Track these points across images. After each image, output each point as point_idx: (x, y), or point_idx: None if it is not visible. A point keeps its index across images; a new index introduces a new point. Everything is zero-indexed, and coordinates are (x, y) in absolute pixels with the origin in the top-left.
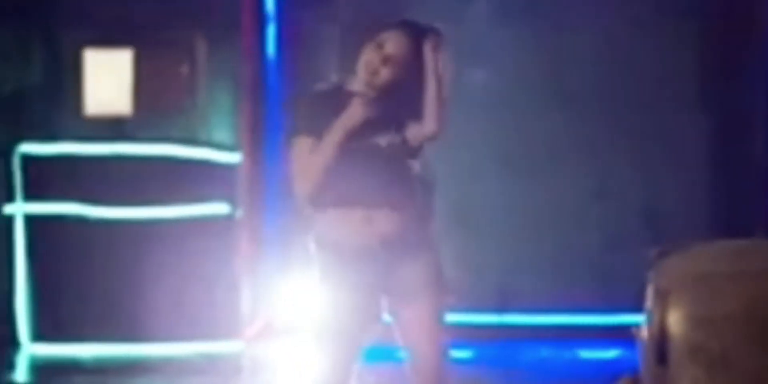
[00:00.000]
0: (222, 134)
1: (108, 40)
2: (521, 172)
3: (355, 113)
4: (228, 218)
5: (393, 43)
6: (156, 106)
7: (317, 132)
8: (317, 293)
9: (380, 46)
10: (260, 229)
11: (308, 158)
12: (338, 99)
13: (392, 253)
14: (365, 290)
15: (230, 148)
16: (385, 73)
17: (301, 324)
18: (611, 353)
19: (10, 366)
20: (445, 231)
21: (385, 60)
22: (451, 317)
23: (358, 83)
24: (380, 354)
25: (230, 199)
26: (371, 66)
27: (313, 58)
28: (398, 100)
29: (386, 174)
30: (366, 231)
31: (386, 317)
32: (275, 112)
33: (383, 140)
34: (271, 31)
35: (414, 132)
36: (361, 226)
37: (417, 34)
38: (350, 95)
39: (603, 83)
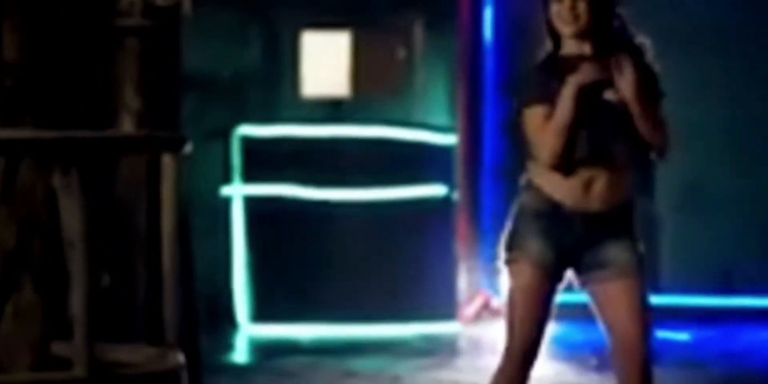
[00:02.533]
0: (438, 116)
1: (326, 22)
2: (755, 158)
3: (585, 72)
4: (445, 200)
5: None
6: (373, 88)
7: (547, 99)
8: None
9: None
10: (477, 211)
11: (545, 125)
12: (557, 65)
13: (597, 226)
14: (555, 258)
15: (447, 130)
16: (583, 11)
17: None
18: None
19: (229, 347)
20: (674, 210)
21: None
22: (674, 299)
23: (567, 46)
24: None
25: (447, 181)
26: (564, 15)
27: (528, 40)
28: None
29: (615, 130)
30: (583, 195)
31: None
32: (492, 94)
33: (613, 96)
34: (487, 14)
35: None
36: (580, 190)
37: None
38: (567, 60)
39: None
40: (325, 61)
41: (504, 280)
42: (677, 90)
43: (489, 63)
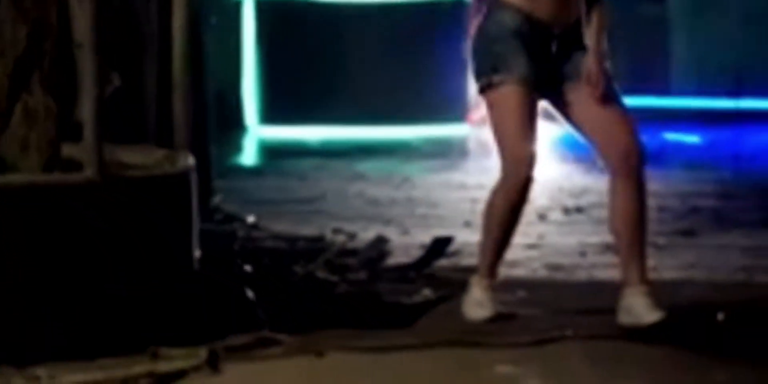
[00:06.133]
0: None
1: None
2: None
3: None
4: (457, 2)
5: None
6: None
7: None
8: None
9: None
10: None
11: None
12: None
13: (573, 38)
14: (537, 72)
15: None
16: None
17: None
18: None
19: (238, 149)
20: (686, 14)
21: None
22: (684, 101)
23: None
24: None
25: None
26: None
27: None
28: None
29: None
30: (560, 8)
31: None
32: None
33: None
34: None
35: None
36: (557, 3)
37: None
38: None
39: None
40: None
41: (484, 105)
42: None
43: None
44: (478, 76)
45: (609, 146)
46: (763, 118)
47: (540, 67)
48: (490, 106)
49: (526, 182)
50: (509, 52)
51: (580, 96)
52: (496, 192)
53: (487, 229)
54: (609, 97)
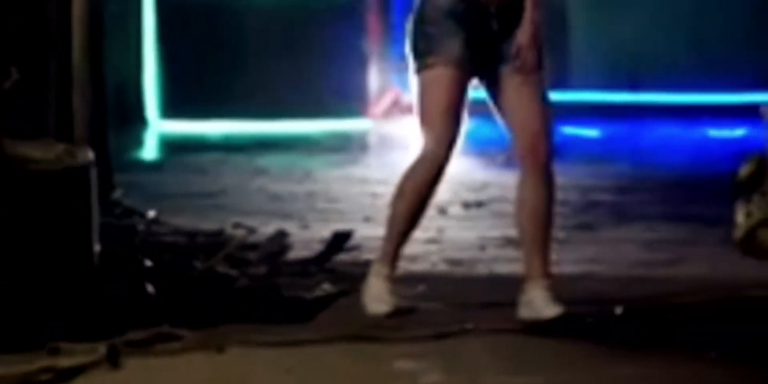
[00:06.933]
0: None
1: None
2: None
3: None
4: None
5: None
6: None
7: None
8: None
9: None
10: (387, 6)
11: None
12: None
13: (510, 18)
14: (472, 54)
15: None
16: None
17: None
18: (739, 132)
19: (139, 143)
20: (585, 7)
21: None
22: (582, 95)
23: None
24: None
25: None
26: None
27: None
28: None
29: None
30: None
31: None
32: None
33: None
34: None
35: None
36: None
37: None
38: None
39: None
40: None
41: (414, 85)
42: None
43: None
44: (413, 57)
45: (520, 134)
46: (660, 112)
47: (480, 47)
48: (422, 87)
49: (443, 163)
50: (443, 34)
51: (513, 79)
52: (408, 176)
53: (393, 216)
54: (537, 83)
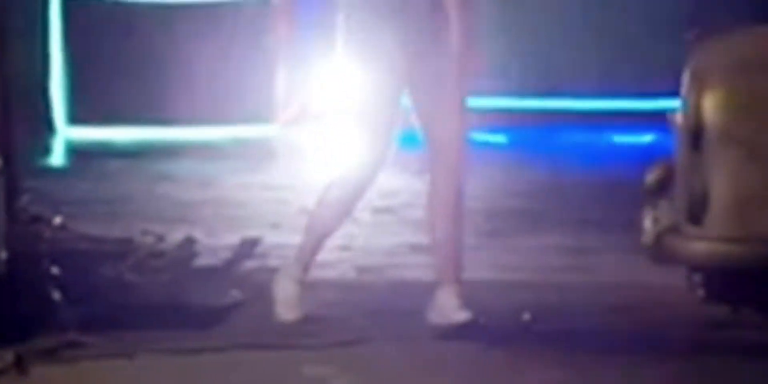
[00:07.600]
0: None
1: None
2: None
3: None
4: (263, 0)
5: None
6: None
7: None
8: (348, 70)
9: None
10: (295, 11)
11: None
12: None
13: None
14: (396, 58)
15: None
16: None
17: (334, 107)
18: (646, 138)
19: (46, 150)
20: (495, 15)
21: None
22: (492, 102)
23: None
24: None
25: None
26: None
27: None
28: None
29: None
30: None
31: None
32: None
33: None
34: None
35: None
36: None
37: None
38: None
39: None
40: None
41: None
42: None
43: None
44: (349, 61)
45: (434, 136)
46: (573, 118)
47: (419, 41)
48: (362, 89)
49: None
50: (381, 37)
51: (437, 78)
52: (336, 183)
53: (313, 223)
54: (457, 89)
